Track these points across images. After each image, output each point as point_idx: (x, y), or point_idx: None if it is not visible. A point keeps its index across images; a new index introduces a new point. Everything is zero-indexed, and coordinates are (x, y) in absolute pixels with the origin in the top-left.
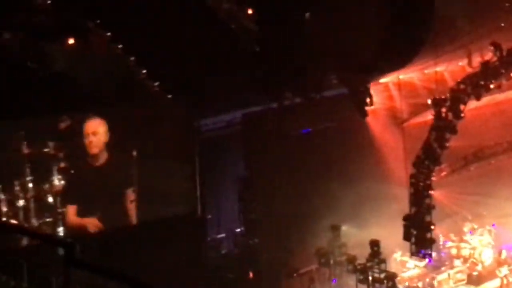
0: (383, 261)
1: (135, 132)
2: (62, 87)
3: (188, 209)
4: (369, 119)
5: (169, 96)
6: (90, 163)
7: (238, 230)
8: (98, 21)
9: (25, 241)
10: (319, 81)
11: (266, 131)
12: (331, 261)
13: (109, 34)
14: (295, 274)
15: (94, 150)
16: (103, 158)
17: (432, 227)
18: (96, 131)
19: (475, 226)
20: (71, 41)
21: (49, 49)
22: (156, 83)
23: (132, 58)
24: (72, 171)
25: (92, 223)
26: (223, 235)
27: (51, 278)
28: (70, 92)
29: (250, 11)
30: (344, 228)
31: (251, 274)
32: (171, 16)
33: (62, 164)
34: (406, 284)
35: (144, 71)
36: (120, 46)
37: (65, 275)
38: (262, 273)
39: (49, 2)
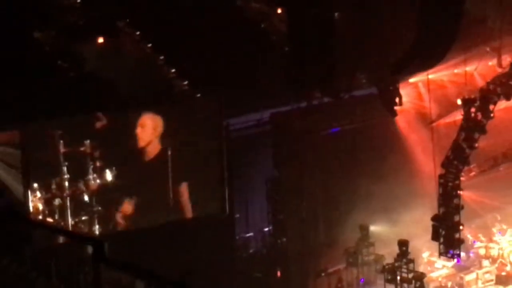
0: (411, 261)
1: (166, 130)
2: (93, 86)
3: (217, 208)
4: (398, 119)
5: (199, 95)
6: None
7: (266, 229)
8: (128, 20)
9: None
10: (348, 80)
11: (295, 131)
12: (359, 261)
13: (138, 33)
14: (323, 274)
15: (141, 143)
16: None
17: (461, 227)
18: (145, 124)
19: (504, 227)
20: (101, 40)
21: (79, 48)
22: (186, 82)
23: (162, 57)
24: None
25: None
26: (251, 234)
27: (79, 276)
28: (101, 91)
29: (279, 11)
30: (372, 228)
31: (278, 273)
32: (201, 16)
33: (98, 163)
34: (435, 284)
35: (174, 70)
36: (149, 45)
37: (95, 272)
38: (290, 272)
39: (79, 1)
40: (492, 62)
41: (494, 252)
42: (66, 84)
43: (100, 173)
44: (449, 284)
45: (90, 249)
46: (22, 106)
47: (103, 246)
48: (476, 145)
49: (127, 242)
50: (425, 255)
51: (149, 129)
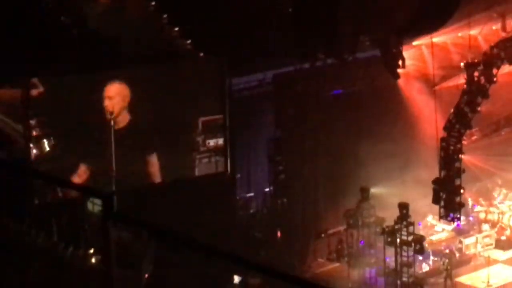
0: (411, 223)
1: (168, 90)
2: (96, 44)
3: (218, 168)
4: (401, 82)
5: (201, 54)
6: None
7: (267, 190)
8: None
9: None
10: (352, 42)
11: (298, 92)
12: (360, 223)
13: None
14: (323, 235)
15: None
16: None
17: (462, 191)
18: (112, 96)
19: (505, 191)
20: None
21: (83, 5)
22: (189, 41)
23: (165, 16)
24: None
25: None
26: (252, 194)
27: (79, 232)
28: (104, 49)
29: None
30: (373, 190)
31: (279, 234)
32: None
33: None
34: (434, 247)
35: (177, 29)
36: (153, 3)
37: (104, 226)
38: (290, 233)
39: None
40: (496, 26)
41: (494, 217)
42: (67, 40)
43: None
44: (449, 247)
45: (90, 206)
46: (25, 62)
47: (112, 200)
48: (479, 109)
49: (129, 200)
50: (429, 218)
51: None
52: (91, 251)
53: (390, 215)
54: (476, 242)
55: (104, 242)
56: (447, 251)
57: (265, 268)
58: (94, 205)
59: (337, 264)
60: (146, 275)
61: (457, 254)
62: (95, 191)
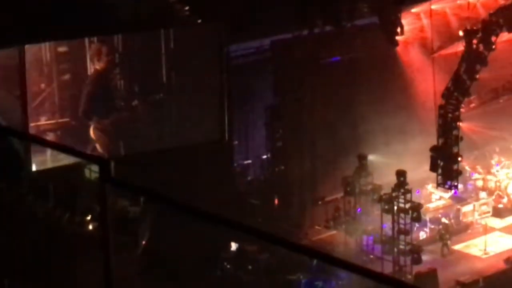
0: (409, 191)
1: (165, 56)
2: (93, 9)
3: (216, 134)
4: (399, 49)
5: (199, 20)
6: None
7: (265, 156)
8: None
9: (51, 163)
10: (350, 9)
11: (296, 59)
12: (357, 190)
13: None
14: (320, 202)
15: None
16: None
17: (459, 158)
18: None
19: (503, 159)
20: None
21: None
22: (187, 8)
23: None
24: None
25: None
26: (250, 161)
27: (75, 199)
28: (101, 14)
29: None
30: (371, 157)
31: (276, 201)
32: None
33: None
34: (431, 215)
35: None
36: None
37: (101, 192)
38: (288, 200)
39: None
40: None
41: (491, 184)
42: (66, 5)
43: None
44: (447, 215)
45: (87, 172)
46: (20, 27)
47: (109, 166)
48: (477, 76)
49: (126, 166)
50: (429, 187)
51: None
52: (88, 217)
53: (387, 183)
54: (474, 210)
55: (101, 207)
56: (444, 219)
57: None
58: (92, 172)
59: (334, 232)
60: (144, 242)
61: (454, 222)
62: (92, 156)
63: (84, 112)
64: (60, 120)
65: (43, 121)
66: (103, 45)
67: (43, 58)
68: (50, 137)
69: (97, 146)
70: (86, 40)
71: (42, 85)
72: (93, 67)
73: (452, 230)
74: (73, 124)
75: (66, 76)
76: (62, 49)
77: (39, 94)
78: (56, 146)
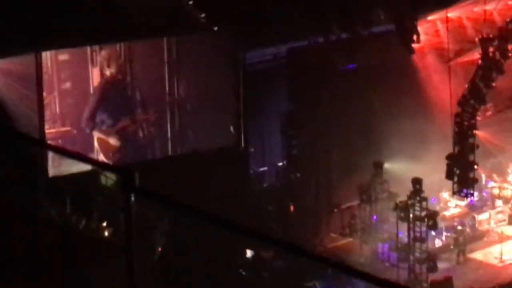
0: (425, 199)
1: (181, 62)
2: (108, 17)
3: (232, 141)
4: (415, 57)
5: (215, 27)
6: None
7: (281, 164)
8: None
9: (69, 169)
10: (366, 16)
11: (311, 66)
12: (373, 198)
13: None
14: (336, 209)
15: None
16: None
17: (475, 166)
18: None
19: None
20: None
21: None
22: (203, 14)
23: None
24: None
25: None
26: (265, 168)
27: (92, 205)
28: (118, 21)
29: None
30: (386, 165)
31: (292, 208)
32: None
33: None
34: (447, 223)
35: (191, 2)
36: None
37: (125, 202)
38: (303, 207)
39: None
40: None
41: (507, 192)
42: (83, 11)
43: None
44: (462, 223)
45: (103, 179)
46: (38, 33)
47: (133, 175)
48: (493, 84)
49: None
50: (445, 194)
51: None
52: (104, 223)
53: (403, 190)
54: (489, 218)
55: (125, 216)
56: (460, 227)
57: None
58: (107, 179)
59: (350, 239)
60: (159, 248)
61: (470, 230)
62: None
63: (89, 119)
64: (61, 129)
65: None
66: (113, 52)
67: (44, 66)
68: None
69: (101, 154)
70: (88, 48)
71: (43, 93)
72: (102, 74)
73: (468, 238)
74: (75, 133)
75: (67, 85)
76: (63, 57)
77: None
78: (79, 157)
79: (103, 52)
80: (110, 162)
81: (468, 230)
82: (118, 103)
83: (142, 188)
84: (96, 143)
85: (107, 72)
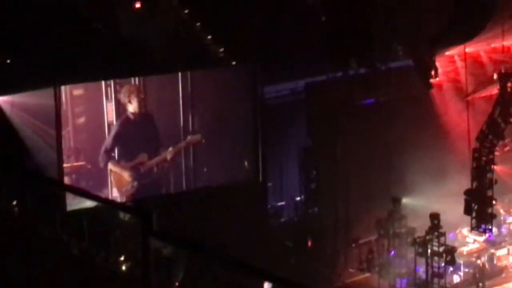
0: (443, 234)
1: (196, 97)
2: (128, 51)
3: (250, 176)
4: (433, 92)
5: (234, 62)
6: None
7: (299, 198)
8: None
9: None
10: (384, 51)
11: (330, 100)
12: (391, 233)
13: None
14: (354, 244)
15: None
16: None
17: (494, 202)
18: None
19: None
20: (138, 5)
21: (116, 12)
22: (221, 49)
23: (198, 24)
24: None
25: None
26: (283, 203)
27: (110, 239)
28: (137, 56)
29: None
30: (404, 200)
31: (309, 243)
32: None
33: None
34: (466, 258)
35: (210, 37)
36: (186, 11)
37: (143, 244)
38: (321, 242)
39: None
40: None
41: None
42: (102, 47)
43: None
44: (481, 259)
45: (122, 214)
46: (58, 68)
47: (151, 218)
48: None
49: (159, 208)
50: (464, 230)
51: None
52: (122, 257)
53: (421, 226)
54: (508, 253)
55: (143, 258)
56: (479, 262)
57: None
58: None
59: (367, 274)
60: (177, 283)
61: (488, 266)
62: (133, 208)
63: (107, 152)
64: (75, 164)
65: (62, 164)
66: (133, 87)
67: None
68: (65, 180)
69: (115, 188)
70: (103, 82)
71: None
72: (124, 109)
73: (486, 274)
74: (89, 168)
75: (82, 119)
76: (77, 91)
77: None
78: (99, 199)
79: (125, 88)
80: (124, 197)
81: (486, 266)
82: (137, 138)
83: (160, 231)
84: (110, 177)
85: (130, 108)
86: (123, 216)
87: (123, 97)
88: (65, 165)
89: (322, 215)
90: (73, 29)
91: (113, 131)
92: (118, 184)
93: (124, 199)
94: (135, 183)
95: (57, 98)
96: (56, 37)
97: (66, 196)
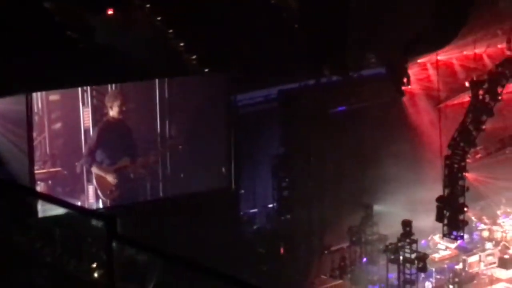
0: (415, 241)
1: (172, 104)
2: (101, 58)
3: (223, 183)
4: (405, 99)
5: (207, 69)
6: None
7: (271, 205)
8: None
9: (59, 210)
10: (357, 59)
11: (303, 108)
12: (363, 240)
13: (148, 6)
14: (326, 251)
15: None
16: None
17: (465, 209)
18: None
19: (509, 210)
20: (110, 12)
21: (89, 20)
22: (194, 57)
23: (171, 31)
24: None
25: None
26: (256, 210)
27: (82, 246)
28: (108, 63)
29: None
30: (376, 207)
31: (282, 250)
32: None
33: None
34: (437, 265)
35: (182, 44)
36: (159, 18)
37: (108, 249)
38: (294, 249)
39: None
40: (502, 44)
41: (497, 235)
42: (74, 55)
43: None
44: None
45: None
46: (29, 76)
47: (116, 223)
48: (483, 127)
49: (132, 215)
50: (436, 237)
51: (153, 102)
52: (94, 265)
53: (393, 233)
54: (480, 260)
55: (108, 263)
56: (456, 267)
57: None
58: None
59: (340, 281)
60: None
61: (460, 273)
62: (98, 213)
63: (88, 156)
64: (51, 169)
65: (34, 170)
66: (121, 95)
67: (34, 107)
68: (41, 186)
69: (99, 192)
70: (79, 89)
71: (34, 134)
72: (104, 114)
73: (458, 281)
74: (65, 174)
75: (58, 125)
76: (53, 97)
77: None
78: (64, 204)
79: (110, 93)
80: (107, 200)
81: (458, 272)
82: (118, 143)
83: (124, 236)
84: (94, 180)
85: (112, 114)
86: (96, 223)
87: (107, 102)
88: (41, 171)
89: (295, 222)
90: (46, 36)
91: (95, 135)
92: (101, 187)
93: (108, 203)
94: (118, 187)
95: (29, 104)
96: (29, 44)
97: (38, 202)
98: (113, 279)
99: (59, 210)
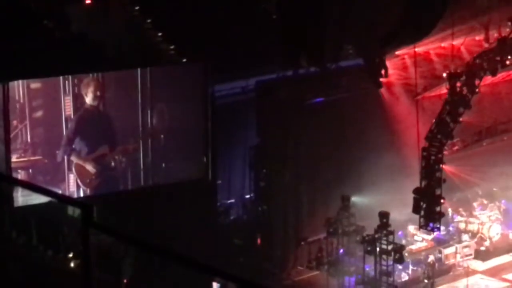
0: (391, 233)
1: (154, 93)
2: (78, 47)
3: (199, 174)
4: (383, 91)
5: (184, 60)
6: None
7: (248, 196)
8: None
9: (35, 199)
10: (335, 50)
11: (280, 99)
12: (340, 231)
13: None
14: (303, 243)
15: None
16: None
17: (442, 201)
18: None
19: (485, 202)
20: (88, 1)
21: (66, 8)
22: (172, 47)
23: (149, 21)
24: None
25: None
26: (232, 200)
27: (58, 236)
28: (86, 53)
29: None
30: (354, 198)
31: (258, 241)
32: None
33: None
34: (414, 257)
35: (160, 34)
36: (137, 8)
37: (84, 236)
38: (270, 240)
39: None
40: (479, 37)
41: (473, 227)
42: (51, 44)
43: None
44: (429, 257)
45: (70, 211)
46: (5, 64)
47: (92, 210)
48: (461, 119)
49: (109, 205)
50: (411, 228)
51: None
52: (71, 254)
53: (370, 224)
54: (456, 252)
55: (84, 250)
56: (429, 260)
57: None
58: (75, 210)
59: (316, 272)
60: (126, 280)
61: (437, 264)
62: (74, 200)
63: (67, 145)
64: (32, 158)
65: (14, 159)
66: (96, 82)
67: (15, 94)
68: (21, 175)
69: (78, 181)
70: (61, 77)
71: (14, 122)
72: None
73: (434, 272)
74: (46, 162)
75: (39, 113)
76: (35, 85)
77: (11, 131)
78: (40, 190)
79: (85, 81)
80: (87, 189)
81: (434, 264)
82: (97, 131)
83: (100, 224)
84: (73, 169)
85: (88, 101)
86: (72, 212)
87: (82, 89)
88: (21, 159)
89: (272, 213)
90: (22, 25)
91: (73, 123)
92: (80, 176)
93: (88, 192)
94: (97, 176)
95: (6, 93)
96: (4, 33)
97: (14, 192)
98: (88, 267)
99: (35, 200)
